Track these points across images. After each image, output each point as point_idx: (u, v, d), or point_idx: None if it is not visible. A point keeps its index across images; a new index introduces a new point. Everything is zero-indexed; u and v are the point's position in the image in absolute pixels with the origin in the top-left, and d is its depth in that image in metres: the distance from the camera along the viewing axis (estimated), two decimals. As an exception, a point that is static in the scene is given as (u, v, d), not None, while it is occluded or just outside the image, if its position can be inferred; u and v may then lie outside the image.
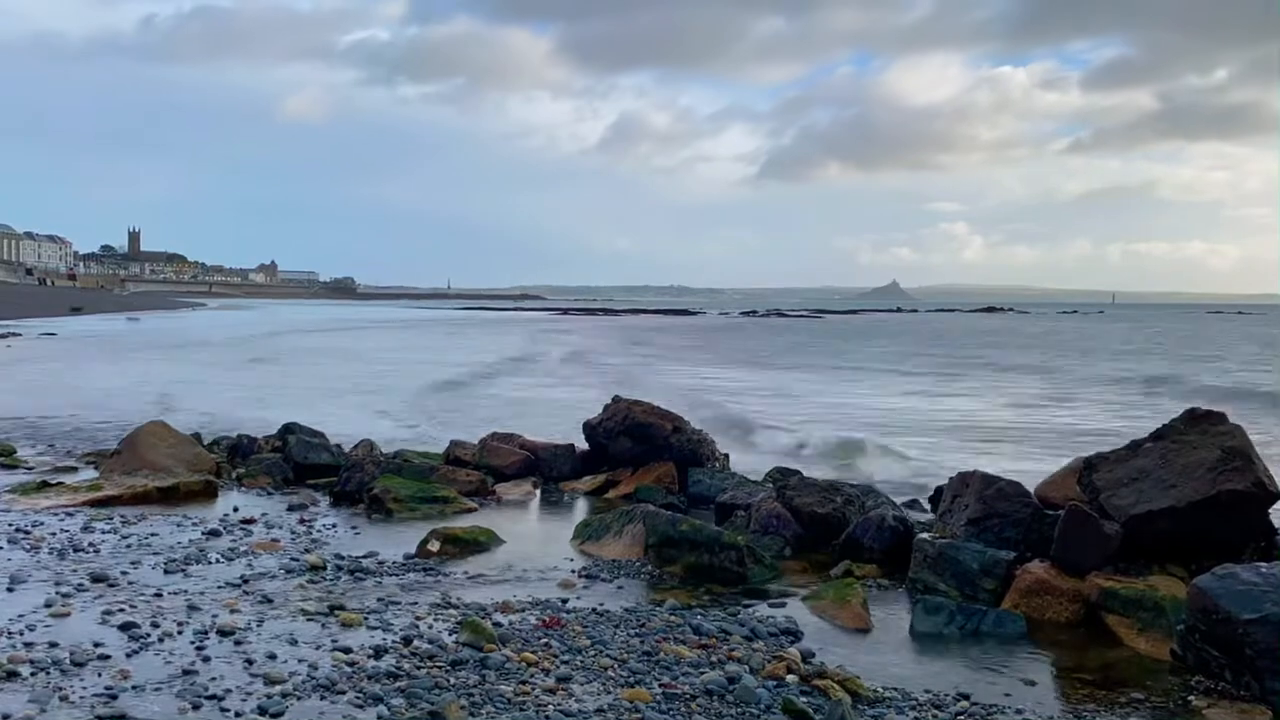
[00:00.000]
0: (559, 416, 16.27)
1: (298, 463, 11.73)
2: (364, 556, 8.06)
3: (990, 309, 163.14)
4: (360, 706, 5.02)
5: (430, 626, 6.29)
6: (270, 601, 6.75)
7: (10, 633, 5.93)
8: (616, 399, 12.06)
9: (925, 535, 7.90)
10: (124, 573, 7.37)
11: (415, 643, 5.93)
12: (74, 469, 12.00)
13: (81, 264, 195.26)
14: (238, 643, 5.88)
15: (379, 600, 6.87)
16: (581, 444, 12.19)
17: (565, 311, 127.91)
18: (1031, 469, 10.45)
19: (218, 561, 7.84)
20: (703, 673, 5.58)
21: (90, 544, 8.23)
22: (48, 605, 6.49)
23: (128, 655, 5.63)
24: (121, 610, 6.43)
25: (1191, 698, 5.57)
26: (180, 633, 6.03)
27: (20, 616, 6.23)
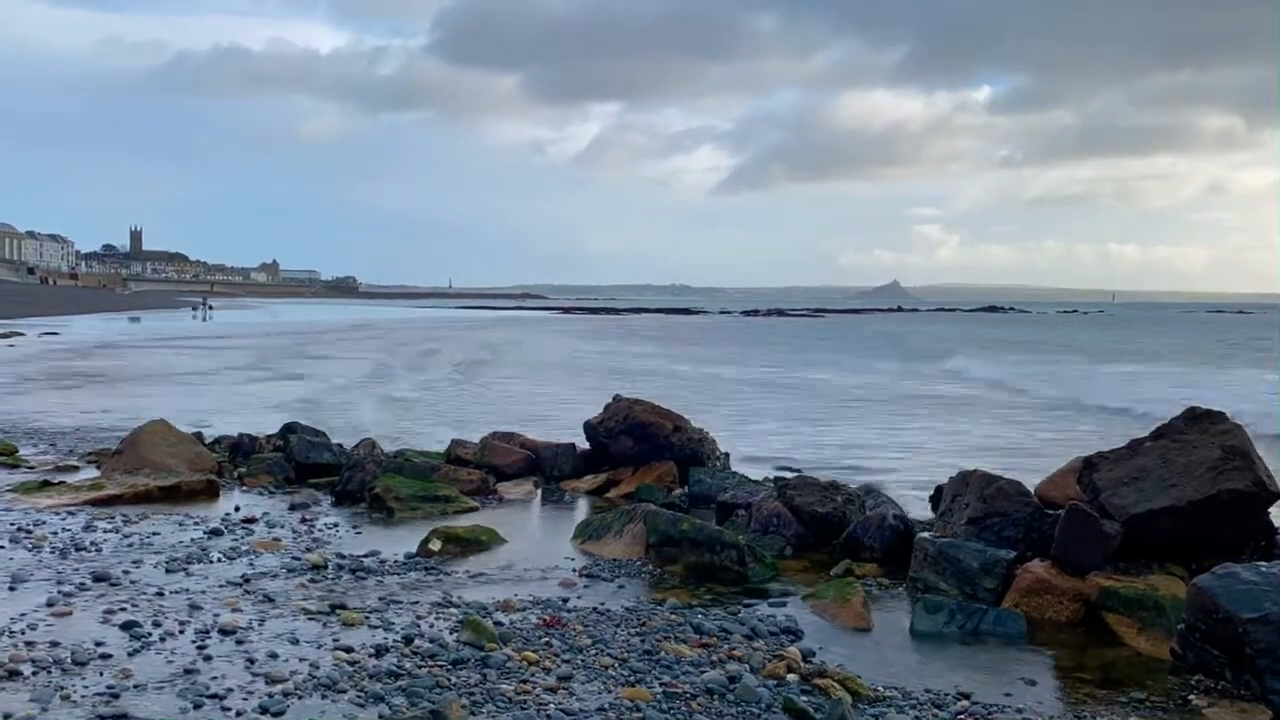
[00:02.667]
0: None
1: (299, 462, 11.73)
2: (365, 555, 8.07)
3: (992, 308, 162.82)
4: (361, 705, 5.03)
5: (431, 625, 6.30)
6: (272, 601, 6.76)
7: (12, 632, 5.95)
8: (617, 398, 12.05)
9: (926, 534, 7.90)
10: (125, 572, 7.38)
11: (416, 642, 5.94)
12: (75, 468, 12.01)
13: (83, 263, 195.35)
14: (239, 642, 5.90)
15: (380, 599, 6.88)
16: (582, 443, 12.18)
17: (567, 310, 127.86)
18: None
19: (219, 561, 7.85)
20: (703, 672, 5.59)
21: (92, 543, 8.24)
22: (49, 604, 6.50)
23: (129, 654, 5.65)
24: (123, 609, 6.44)
25: (1191, 697, 5.57)
26: (182, 632, 6.04)
27: (22, 615, 6.24)
